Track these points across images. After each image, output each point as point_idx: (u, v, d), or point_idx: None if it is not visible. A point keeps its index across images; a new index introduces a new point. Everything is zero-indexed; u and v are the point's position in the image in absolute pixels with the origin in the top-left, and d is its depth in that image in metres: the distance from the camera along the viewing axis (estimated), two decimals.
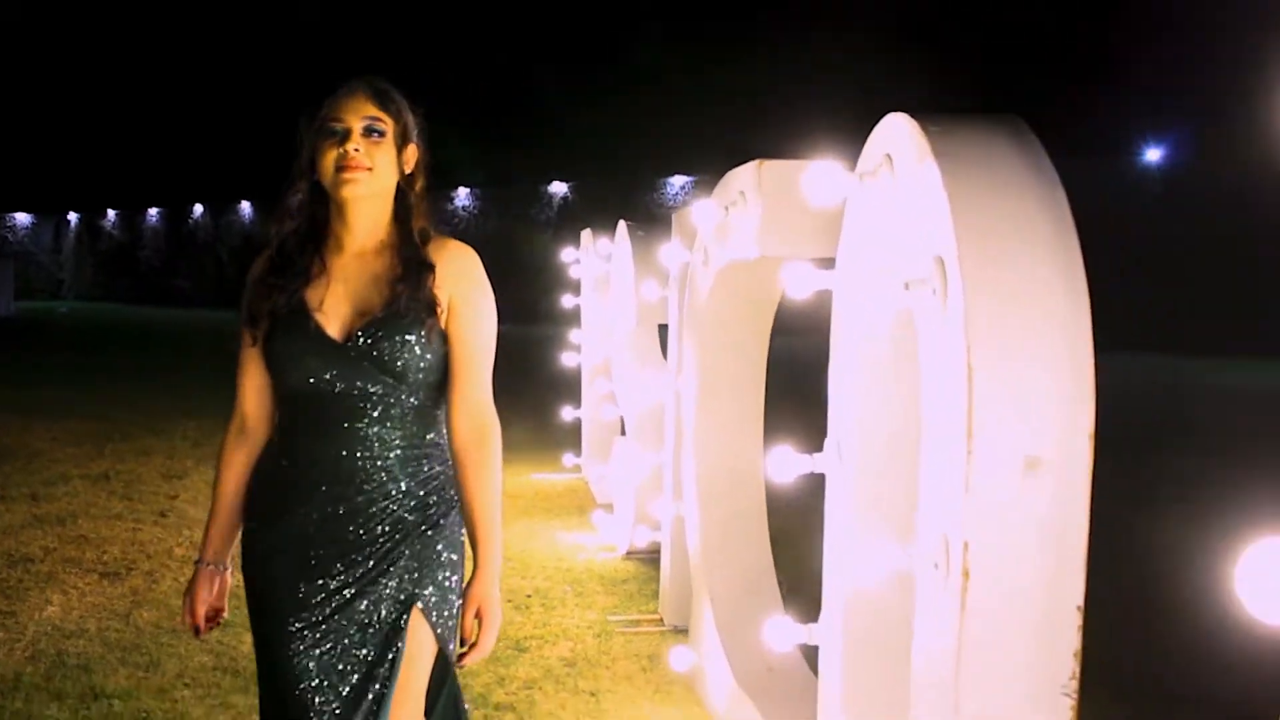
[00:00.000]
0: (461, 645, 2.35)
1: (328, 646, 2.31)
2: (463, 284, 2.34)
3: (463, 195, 34.07)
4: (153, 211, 42.95)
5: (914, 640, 2.15)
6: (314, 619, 2.31)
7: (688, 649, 4.21)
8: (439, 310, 2.30)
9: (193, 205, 41.72)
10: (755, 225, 3.13)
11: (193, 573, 2.46)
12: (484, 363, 2.39)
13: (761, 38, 31.84)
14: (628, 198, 28.58)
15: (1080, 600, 1.94)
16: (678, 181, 29.97)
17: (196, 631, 2.44)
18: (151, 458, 8.86)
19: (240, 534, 2.43)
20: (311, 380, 2.27)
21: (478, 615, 2.31)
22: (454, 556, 2.40)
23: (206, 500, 4.69)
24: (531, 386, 11.15)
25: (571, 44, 35.76)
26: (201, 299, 39.83)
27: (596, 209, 26.47)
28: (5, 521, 6.57)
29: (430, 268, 2.31)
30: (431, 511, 2.35)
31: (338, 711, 2.30)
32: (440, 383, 2.35)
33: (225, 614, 2.48)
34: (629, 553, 6.16)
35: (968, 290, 1.91)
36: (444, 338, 2.33)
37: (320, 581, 2.30)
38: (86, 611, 5.01)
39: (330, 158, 2.27)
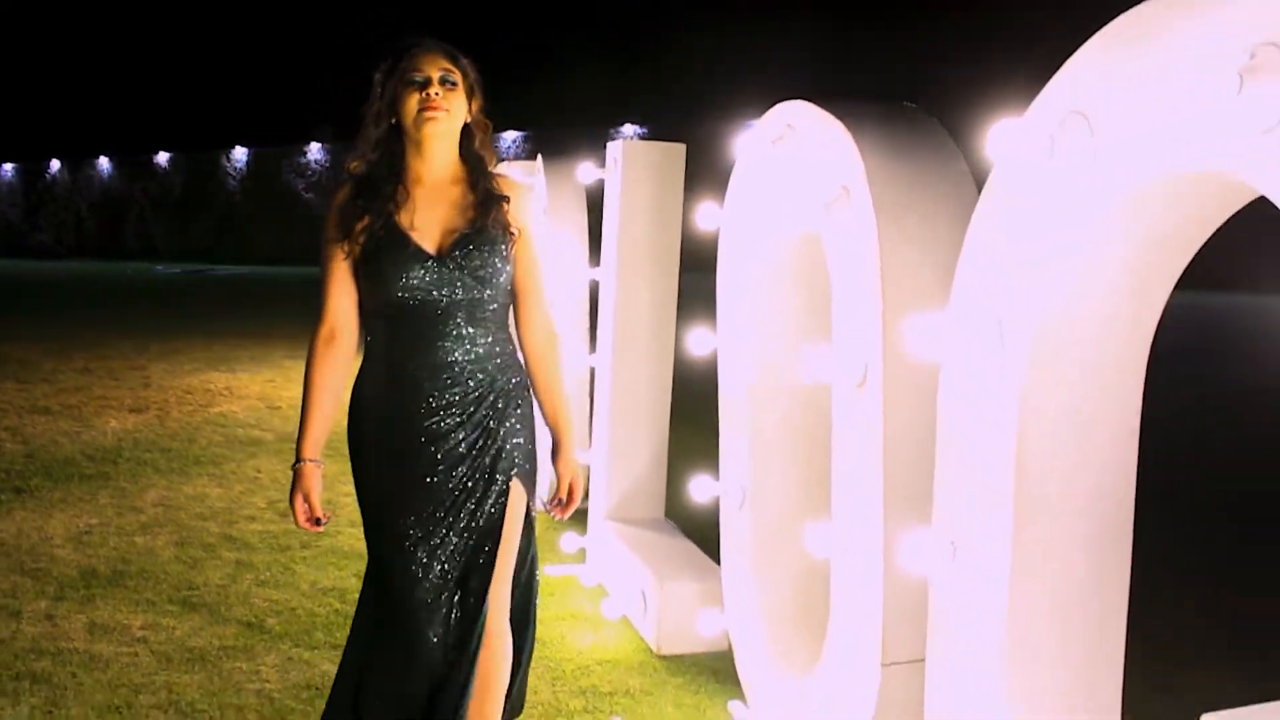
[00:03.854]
0: (559, 505, 2.81)
1: (441, 515, 2.65)
2: (529, 215, 2.77)
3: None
4: (7, 167, 44.16)
5: None
6: (432, 496, 2.65)
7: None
8: (513, 233, 2.70)
9: (49, 160, 43.15)
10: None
11: (297, 472, 2.67)
12: (545, 280, 2.82)
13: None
14: (579, 148, 31.77)
15: None
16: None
17: (317, 523, 2.69)
18: (112, 360, 12.04)
19: (355, 432, 2.74)
20: (414, 290, 2.61)
21: (571, 486, 2.79)
22: (534, 432, 2.80)
23: (172, 377, 8.55)
24: None
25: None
26: (62, 252, 41.50)
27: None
28: (40, 391, 9.84)
29: (505, 199, 2.70)
30: (514, 394, 2.74)
31: (449, 573, 2.66)
32: (510, 290, 2.75)
33: (330, 516, 2.73)
34: None
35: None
36: (514, 259, 2.72)
37: (433, 458, 2.64)
38: (135, 425, 8.43)
39: (413, 101, 2.62)
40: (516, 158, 34.06)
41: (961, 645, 2.14)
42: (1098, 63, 1.78)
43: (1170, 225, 1.82)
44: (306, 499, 2.67)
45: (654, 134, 32.18)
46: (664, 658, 4.02)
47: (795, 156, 2.96)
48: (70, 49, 43.08)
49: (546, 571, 4.88)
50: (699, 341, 3.54)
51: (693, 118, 29.86)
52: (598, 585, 4.70)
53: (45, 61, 42.92)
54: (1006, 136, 1.96)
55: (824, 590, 2.92)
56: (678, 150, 4.60)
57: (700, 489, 3.55)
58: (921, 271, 2.48)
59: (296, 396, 10.19)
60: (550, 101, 34.61)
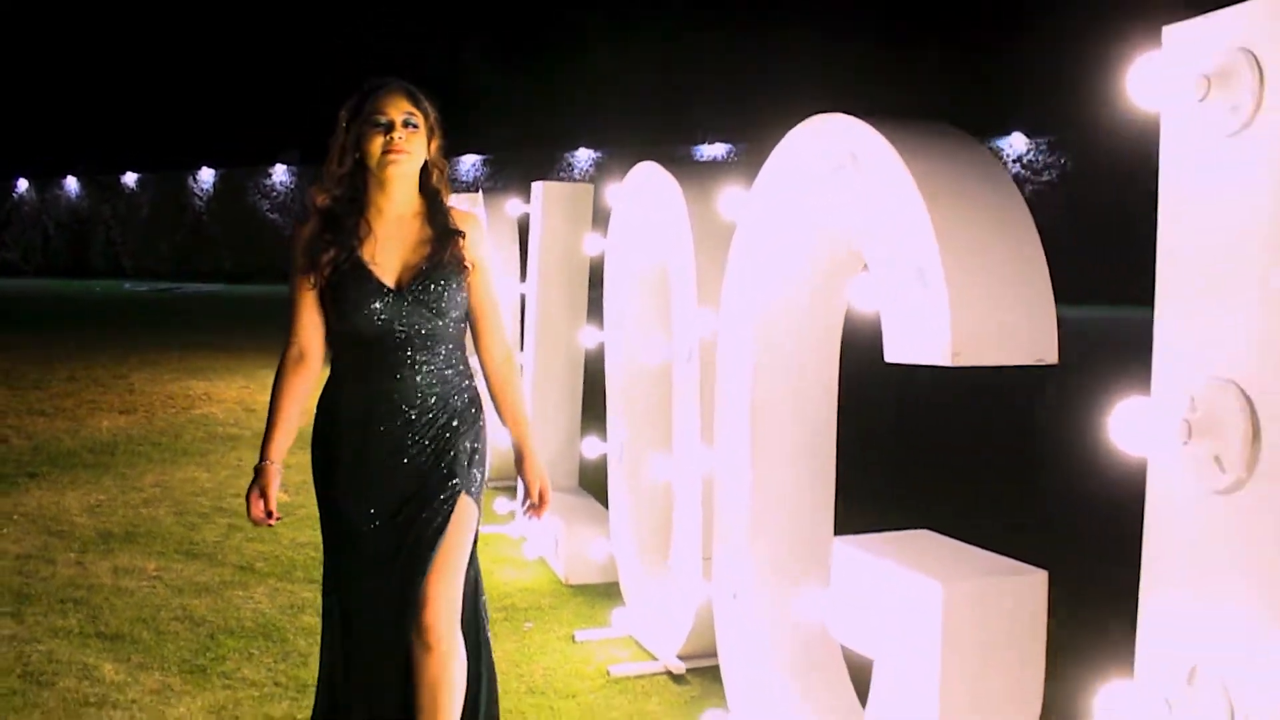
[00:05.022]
0: (532, 508, 3.04)
1: (394, 523, 2.85)
2: (481, 248, 2.98)
3: None
4: None
5: None
6: (384, 505, 2.86)
7: None
8: (467, 266, 2.91)
9: (16, 179, 43.82)
10: None
11: (259, 470, 2.87)
12: (500, 306, 3.05)
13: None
14: (539, 169, 32.98)
15: None
16: (584, 155, 34.71)
17: (269, 516, 2.86)
18: (95, 369, 13.02)
19: (318, 449, 2.95)
20: (374, 321, 2.82)
21: (541, 491, 3.01)
22: (484, 450, 3.02)
23: (154, 384, 9.59)
24: None
25: (492, 22, 39.00)
26: (30, 270, 42.16)
27: (510, 178, 31.04)
28: (33, 396, 10.82)
29: (460, 234, 2.91)
30: (467, 416, 2.94)
31: (401, 579, 2.83)
32: (465, 319, 2.95)
33: (279, 516, 2.90)
34: None
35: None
36: (469, 289, 2.93)
37: (388, 477, 2.86)
38: (125, 424, 9.45)
39: (377, 143, 2.81)
40: (476, 181, 35.00)
41: (727, 526, 3.28)
42: (785, 153, 2.94)
43: (840, 253, 2.98)
44: (263, 494, 2.86)
45: (607, 156, 33.50)
46: (570, 586, 5.15)
47: (648, 203, 4.12)
48: (38, 70, 43.76)
49: (481, 530, 5.98)
50: (589, 336, 4.71)
51: (659, 136, 31.25)
52: (521, 537, 5.81)
53: (12, 82, 43.59)
54: (740, 198, 3.12)
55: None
56: (586, 189, 5.75)
57: (590, 448, 4.70)
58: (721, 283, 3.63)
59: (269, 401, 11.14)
60: (508, 126, 35.73)
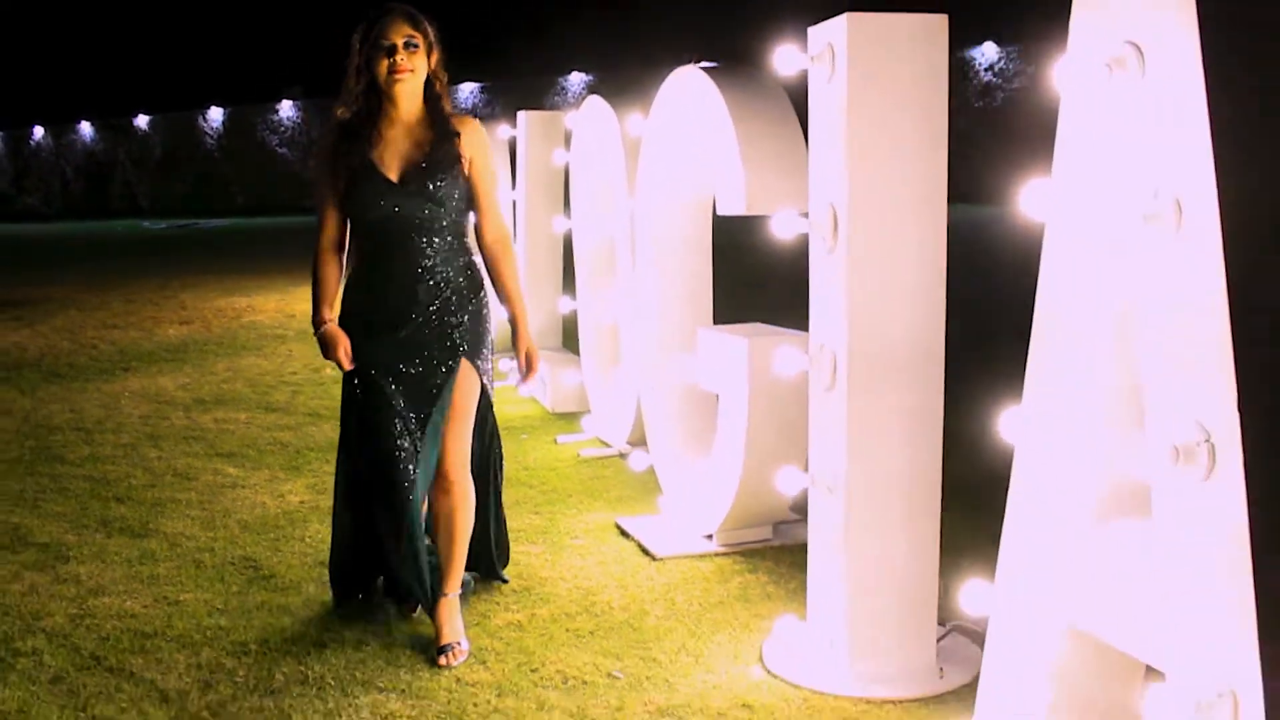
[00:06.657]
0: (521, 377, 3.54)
1: (405, 388, 3.39)
2: (478, 146, 3.46)
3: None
4: None
5: None
6: (397, 369, 3.38)
7: None
8: (463, 161, 3.39)
9: (32, 127, 45.23)
10: None
11: (324, 335, 3.41)
12: (497, 194, 3.53)
13: None
14: (532, 96, 34.08)
15: None
16: (576, 79, 35.91)
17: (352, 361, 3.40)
18: (146, 292, 14.71)
19: (344, 323, 3.44)
20: (381, 210, 3.34)
21: (529, 356, 3.52)
22: (486, 321, 3.50)
23: (202, 301, 11.70)
24: None
25: None
26: (52, 214, 43.78)
27: (506, 104, 32.23)
28: (101, 316, 12.54)
29: (456, 134, 3.41)
30: (466, 292, 3.44)
31: (414, 434, 3.38)
32: (465, 208, 3.44)
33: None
34: None
35: None
36: (468, 180, 3.41)
37: (399, 345, 3.38)
38: (188, 332, 11.19)
39: (384, 65, 3.32)
40: (474, 108, 35.97)
41: (643, 336, 5.00)
42: (665, 92, 4.59)
43: (697, 155, 4.65)
44: (339, 349, 3.41)
45: (598, 80, 34.82)
46: (555, 413, 6.91)
47: (598, 128, 5.80)
48: (47, 18, 44.84)
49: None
50: (560, 225, 6.45)
51: (645, 59, 32.40)
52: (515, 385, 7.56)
53: (24, 31, 44.72)
54: (642, 122, 4.82)
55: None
56: (557, 116, 7.43)
57: (563, 305, 6.47)
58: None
59: (307, 310, 12.61)
60: (504, 53, 36.98)
